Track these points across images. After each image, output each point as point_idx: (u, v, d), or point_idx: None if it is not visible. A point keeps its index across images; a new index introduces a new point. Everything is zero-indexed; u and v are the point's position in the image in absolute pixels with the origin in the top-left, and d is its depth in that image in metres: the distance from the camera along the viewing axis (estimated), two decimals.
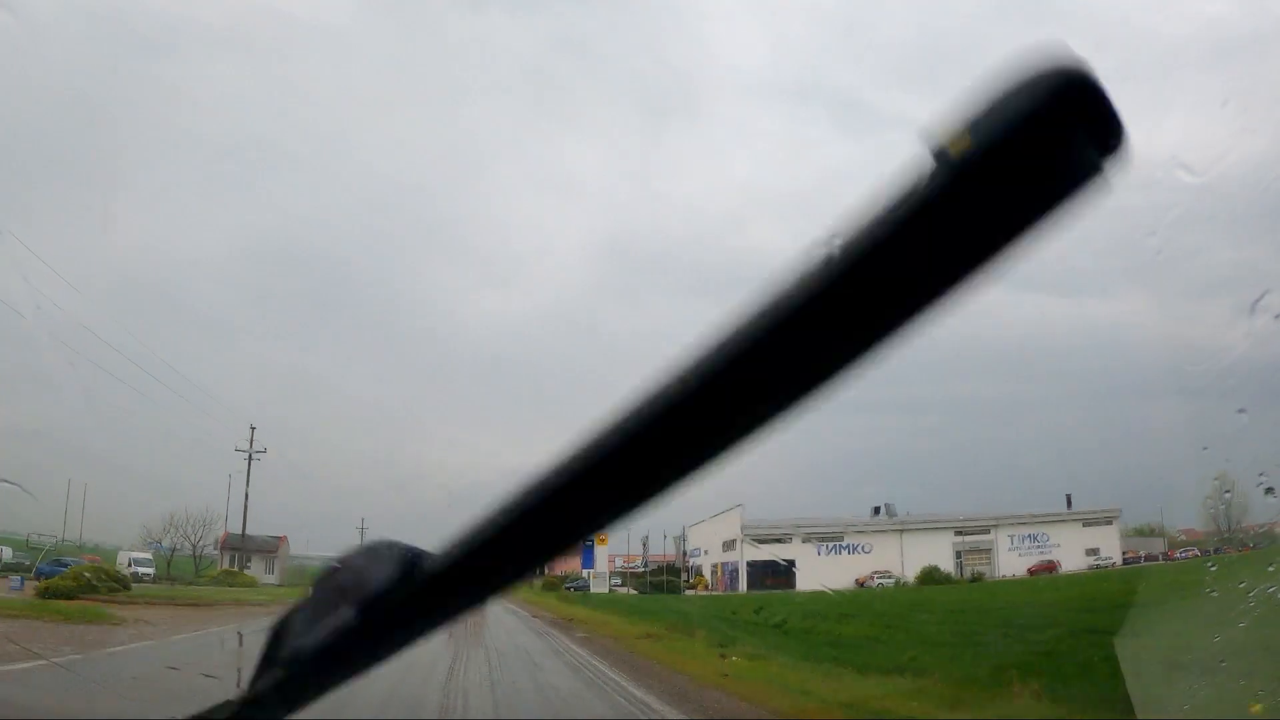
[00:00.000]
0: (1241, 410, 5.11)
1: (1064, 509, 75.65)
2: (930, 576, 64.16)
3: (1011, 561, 69.19)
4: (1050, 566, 66.79)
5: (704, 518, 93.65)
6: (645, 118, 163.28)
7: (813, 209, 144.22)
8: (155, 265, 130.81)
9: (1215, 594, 6.00)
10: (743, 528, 75.51)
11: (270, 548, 56.89)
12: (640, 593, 68.69)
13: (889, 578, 70.49)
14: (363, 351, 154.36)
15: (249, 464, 42.35)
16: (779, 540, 75.60)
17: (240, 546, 55.69)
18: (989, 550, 73.12)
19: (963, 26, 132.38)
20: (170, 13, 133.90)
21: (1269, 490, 5.23)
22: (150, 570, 44.80)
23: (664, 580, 68.69)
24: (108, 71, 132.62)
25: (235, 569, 42.70)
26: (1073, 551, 70.09)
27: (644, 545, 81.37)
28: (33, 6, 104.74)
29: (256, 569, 54.26)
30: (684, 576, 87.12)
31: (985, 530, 75.52)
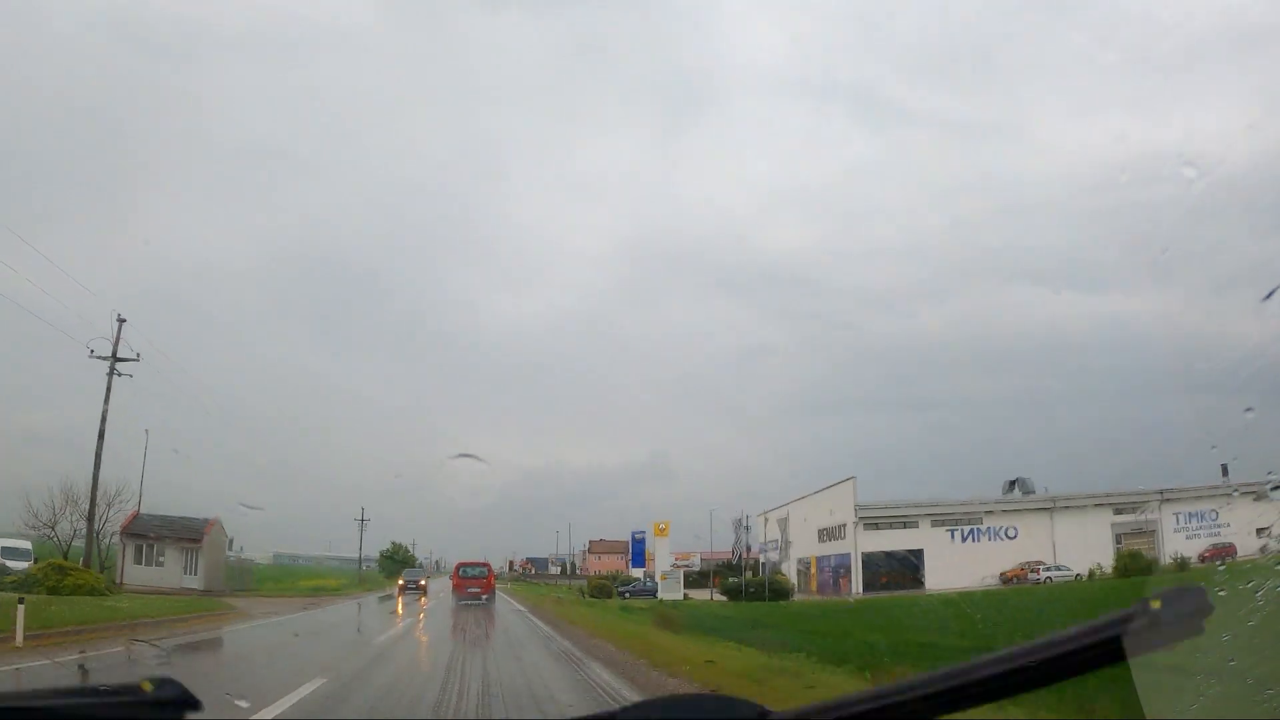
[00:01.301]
0: (1249, 410, 4.97)
1: (1219, 480, 42.35)
2: (1134, 565, 46.16)
3: (1178, 544, 51.27)
4: (1228, 550, 49.63)
5: (783, 500, 69.17)
6: (664, 117, 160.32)
7: (834, 205, 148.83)
8: (175, 269, 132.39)
9: (1224, 593, 4.58)
10: (857, 508, 51.26)
11: (190, 534, 42.01)
12: (729, 599, 41.84)
13: (1060, 570, 53.62)
14: (378, 353, 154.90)
15: (110, 377, 15.83)
16: (902, 524, 50.62)
17: (146, 533, 41.81)
18: (1153, 532, 55.81)
19: (980, 19, 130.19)
20: (189, 19, 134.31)
21: (1277, 488, 5.46)
22: (25, 565, 32.93)
23: (762, 584, 43.58)
24: (127, 79, 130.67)
25: (76, 565, 14.88)
26: (1241, 531, 50.60)
27: (737, 533, 58.99)
28: (53, 17, 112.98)
29: (173, 564, 40.58)
30: (747, 575, 68.05)
31: (1142, 508, 57.56)
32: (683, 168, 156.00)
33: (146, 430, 41.32)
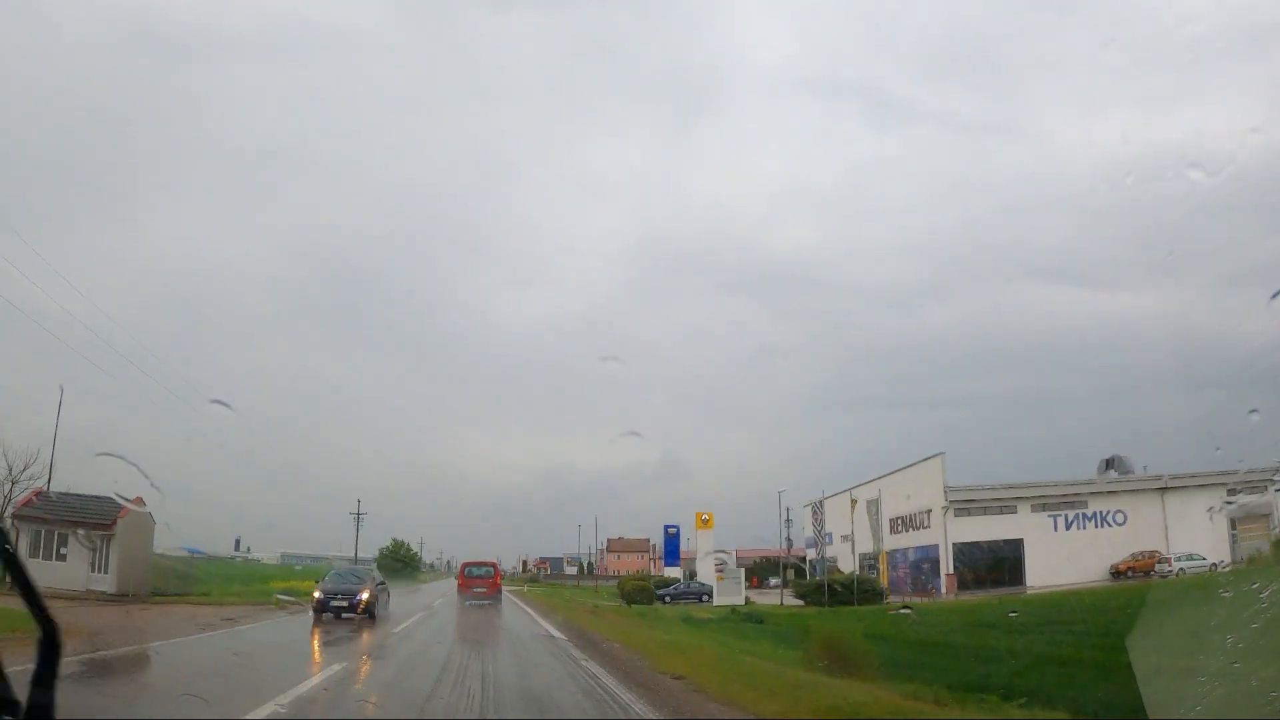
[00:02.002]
0: (1254, 411, 5.04)
1: None
2: None
3: None
4: None
5: (852, 483, 58.54)
6: (673, 117, 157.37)
7: (843, 204, 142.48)
8: (182, 270, 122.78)
9: (1229, 595, 5.70)
10: (947, 490, 37.45)
11: (99, 520, 32.48)
12: (807, 603, 44.11)
13: (1193, 560, 42.97)
14: (386, 354, 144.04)
15: None
16: (998, 509, 35.97)
17: (47, 516, 32.75)
18: (1268, 515, 44.74)
19: (990, 16, 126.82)
20: (196, 21, 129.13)
21: None
22: None
23: (849, 584, 29.31)
24: (135, 81, 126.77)
25: None
26: None
27: (816, 520, 47.57)
28: (60, 19, 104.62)
29: (77, 558, 31.98)
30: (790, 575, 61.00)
31: (1260, 489, 37.14)
32: (690, 167, 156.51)
33: (61, 386, 37.22)
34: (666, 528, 69.28)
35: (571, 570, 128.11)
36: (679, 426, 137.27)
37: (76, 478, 35.77)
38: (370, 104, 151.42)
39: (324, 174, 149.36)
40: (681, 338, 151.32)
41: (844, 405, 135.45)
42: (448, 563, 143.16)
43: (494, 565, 40.99)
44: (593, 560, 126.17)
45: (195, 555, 60.03)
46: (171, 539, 41.73)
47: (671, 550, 68.47)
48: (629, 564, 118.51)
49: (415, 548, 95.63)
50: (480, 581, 37.54)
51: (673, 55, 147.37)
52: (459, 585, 39.82)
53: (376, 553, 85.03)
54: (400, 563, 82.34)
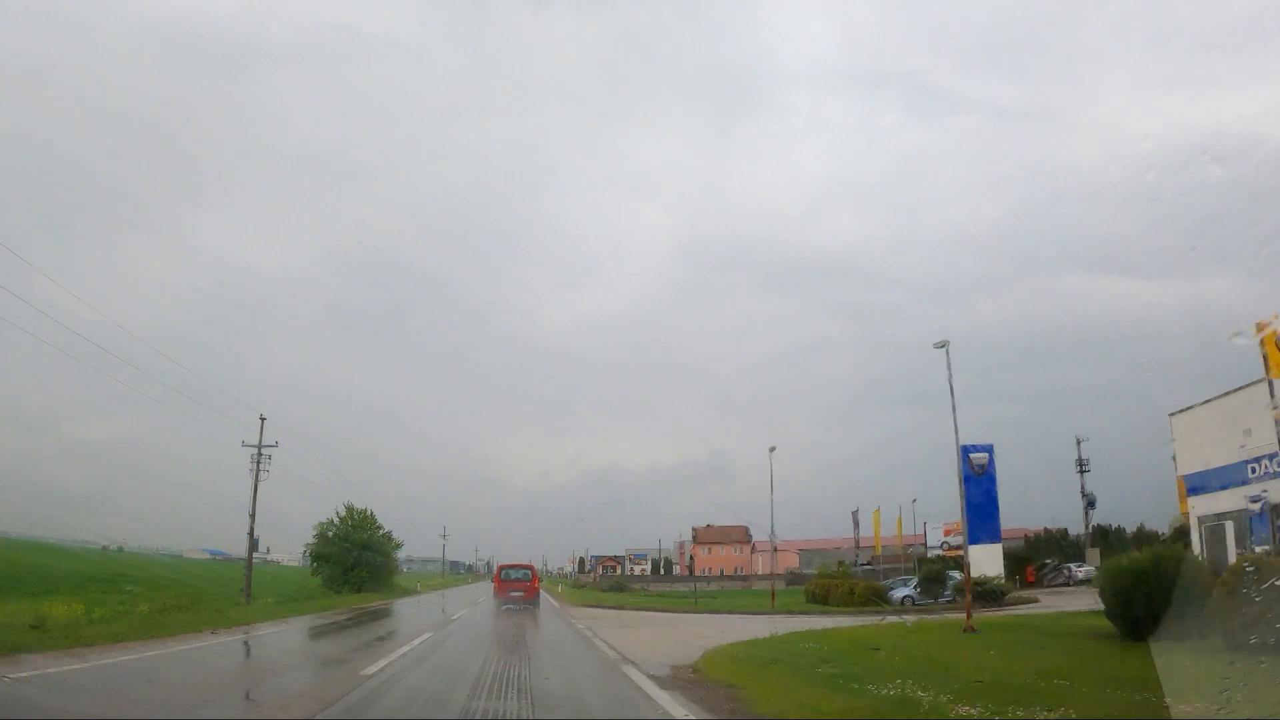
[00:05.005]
0: (1276, 406, 6.41)
1: None
2: None
3: None
4: None
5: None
6: (715, 113, 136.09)
7: (889, 197, 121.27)
8: (218, 278, 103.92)
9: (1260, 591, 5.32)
10: None
11: None
12: None
13: None
14: (430, 360, 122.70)
15: None
16: None
17: None
18: None
19: (1033, 4, 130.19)
20: (243, 32, 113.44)
21: None
22: None
23: None
24: (184, 92, 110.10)
25: None
26: None
27: None
28: (110, 32, 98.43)
29: None
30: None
31: None
32: (737, 164, 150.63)
33: None
34: (968, 451, 29.91)
35: (638, 570, 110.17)
36: (724, 425, 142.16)
37: None
38: (412, 110, 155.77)
39: (367, 181, 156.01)
40: (724, 335, 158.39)
41: (891, 401, 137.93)
42: (486, 563, 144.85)
43: (530, 568, 42.67)
44: (670, 557, 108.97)
45: (216, 557, 56.05)
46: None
47: (983, 505, 30.41)
48: (722, 559, 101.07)
49: (395, 529, 53.62)
50: (517, 585, 38.49)
51: (713, 52, 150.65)
52: (495, 589, 40.93)
53: (311, 537, 45.97)
54: (361, 548, 44.78)
